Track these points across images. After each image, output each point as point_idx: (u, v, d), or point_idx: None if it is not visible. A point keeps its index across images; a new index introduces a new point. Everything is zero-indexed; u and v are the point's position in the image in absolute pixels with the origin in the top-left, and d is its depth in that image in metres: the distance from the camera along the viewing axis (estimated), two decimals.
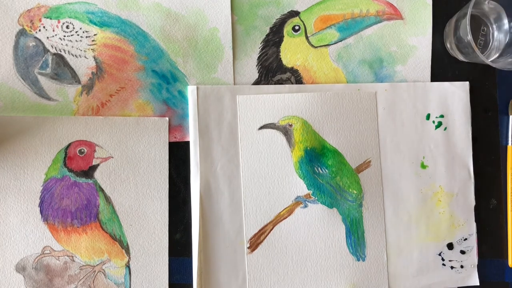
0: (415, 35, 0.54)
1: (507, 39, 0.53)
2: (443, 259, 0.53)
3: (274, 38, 0.53)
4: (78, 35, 0.49)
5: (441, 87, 0.54)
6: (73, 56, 0.49)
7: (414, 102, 0.53)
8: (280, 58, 0.53)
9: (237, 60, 0.52)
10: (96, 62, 0.50)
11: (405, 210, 0.52)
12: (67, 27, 0.49)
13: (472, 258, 0.53)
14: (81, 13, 0.50)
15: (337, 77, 0.53)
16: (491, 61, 0.52)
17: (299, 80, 0.53)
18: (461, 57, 0.53)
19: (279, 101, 0.51)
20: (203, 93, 0.50)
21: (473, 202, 0.53)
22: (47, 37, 0.49)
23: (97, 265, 0.48)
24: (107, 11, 0.50)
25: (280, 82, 0.52)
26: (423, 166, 0.53)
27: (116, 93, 0.50)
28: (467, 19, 0.47)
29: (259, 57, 0.52)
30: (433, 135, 0.53)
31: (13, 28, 0.49)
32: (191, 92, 0.50)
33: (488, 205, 0.54)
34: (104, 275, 0.48)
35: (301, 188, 0.51)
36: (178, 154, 0.51)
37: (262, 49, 0.52)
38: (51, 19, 0.49)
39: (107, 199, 0.49)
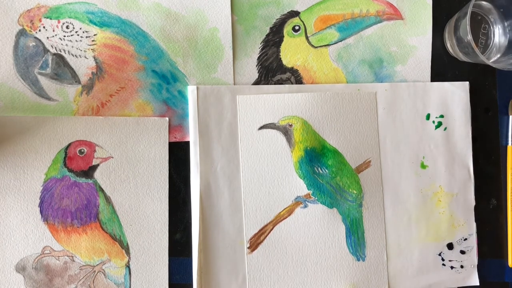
0: (415, 35, 0.54)
1: (508, 39, 0.53)
2: (443, 259, 0.53)
3: (274, 38, 0.53)
4: (78, 35, 0.49)
5: (441, 87, 0.54)
6: (73, 56, 0.49)
7: (414, 102, 0.53)
8: (280, 58, 0.53)
9: (237, 60, 0.52)
10: (96, 62, 0.50)
11: (405, 210, 0.52)
12: (67, 27, 0.49)
13: (472, 258, 0.53)
14: (81, 13, 0.50)
15: (337, 77, 0.53)
16: (492, 61, 0.52)
17: (299, 80, 0.53)
18: (461, 57, 0.53)
19: (279, 101, 0.51)
20: (203, 93, 0.50)
21: (473, 202, 0.53)
22: (47, 37, 0.49)
23: (97, 265, 0.48)
24: (107, 11, 0.50)
25: (280, 82, 0.52)
26: (423, 166, 0.53)
27: (116, 93, 0.50)
28: (467, 19, 0.47)
29: (259, 57, 0.52)
30: (433, 135, 0.53)
31: (13, 28, 0.49)
32: (191, 92, 0.50)
33: (488, 205, 0.54)
34: (104, 275, 0.49)
35: (301, 188, 0.51)
36: (178, 154, 0.51)
37: (262, 49, 0.52)
38: (51, 19, 0.49)
39: (107, 199, 0.49)
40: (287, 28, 0.53)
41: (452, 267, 0.53)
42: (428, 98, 0.53)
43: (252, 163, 0.50)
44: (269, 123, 0.51)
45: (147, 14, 0.51)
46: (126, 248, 0.49)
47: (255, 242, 0.50)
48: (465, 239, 0.53)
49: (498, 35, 0.54)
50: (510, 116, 0.54)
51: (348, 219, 0.51)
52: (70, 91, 0.49)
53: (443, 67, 0.54)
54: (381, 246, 0.52)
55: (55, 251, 0.48)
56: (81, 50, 0.49)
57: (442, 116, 0.53)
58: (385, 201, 0.52)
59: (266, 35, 0.52)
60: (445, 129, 0.53)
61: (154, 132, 0.50)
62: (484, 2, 0.53)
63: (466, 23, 0.47)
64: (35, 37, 0.49)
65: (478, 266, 0.53)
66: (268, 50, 0.52)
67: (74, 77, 0.49)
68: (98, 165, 0.49)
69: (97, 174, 0.49)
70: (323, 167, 0.51)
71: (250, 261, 0.50)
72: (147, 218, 0.49)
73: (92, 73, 0.50)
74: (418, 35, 0.54)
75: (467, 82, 0.54)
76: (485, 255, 0.54)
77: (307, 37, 0.53)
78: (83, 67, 0.49)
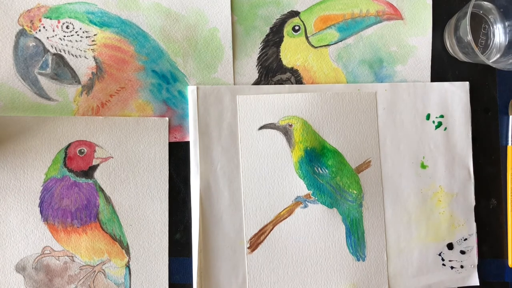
0: (415, 35, 0.54)
1: (508, 39, 0.53)
2: (443, 259, 0.53)
3: (274, 38, 0.53)
4: (78, 35, 0.49)
5: (441, 87, 0.54)
6: (73, 56, 0.49)
7: (414, 102, 0.53)
8: (280, 58, 0.53)
9: (237, 60, 0.52)
10: (96, 62, 0.50)
11: (405, 210, 0.52)
12: (67, 27, 0.49)
13: (472, 258, 0.53)
14: (81, 13, 0.50)
15: (337, 77, 0.53)
16: (492, 61, 0.52)
17: (299, 80, 0.53)
18: (461, 57, 0.53)
19: (279, 101, 0.51)
20: (203, 93, 0.50)
21: (473, 202, 0.53)
22: (47, 37, 0.49)
23: (97, 265, 0.48)
24: (107, 11, 0.50)
25: (280, 82, 0.52)
26: (423, 166, 0.53)
27: (116, 93, 0.50)
28: (467, 19, 0.47)
29: (259, 57, 0.52)
30: (433, 135, 0.53)
31: (13, 28, 0.49)
32: (191, 92, 0.50)
33: (488, 205, 0.54)
34: (104, 275, 0.49)
35: (301, 188, 0.51)
36: (178, 154, 0.51)
37: (262, 49, 0.52)
38: (51, 19, 0.49)
39: (107, 199, 0.49)
40: (287, 28, 0.53)
41: (452, 267, 0.53)
42: (428, 98, 0.53)
43: (252, 163, 0.50)
44: (269, 123, 0.51)
45: (147, 14, 0.51)
46: (126, 248, 0.49)
47: (255, 242, 0.50)
48: (465, 239, 0.53)
49: (498, 35, 0.54)
50: (510, 116, 0.54)
51: (348, 219, 0.51)
52: (70, 91, 0.49)
53: (443, 67, 0.54)
54: (381, 246, 0.52)
55: (55, 251, 0.48)
56: (81, 50, 0.49)
57: (442, 116, 0.53)
58: (385, 201, 0.52)
59: (266, 35, 0.52)
60: (445, 129, 0.53)
61: (154, 132, 0.50)
62: (484, 2, 0.53)
63: (466, 23, 0.47)
64: (35, 37, 0.49)
65: (478, 266, 0.53)
66: (268, 50, 0.52)
67: (74, 77, 0.49)
68: (98, 165, 0.49)
69: (97, 174, 0.49)
70: (323, 167, 0.51)
71: (250, 261, 0.50)
72: (147, 218, 0.49)
73: (92, 73, 0.50)
74: (418, 35, 0.54)
75: (467, 82, 0.54)
76: (485, 255, 0.54)
77: (307, 37, 0.53)
78: (83, 67, 0.49)
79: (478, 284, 0.53)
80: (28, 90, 0.49)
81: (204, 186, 0.50)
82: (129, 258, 0.49)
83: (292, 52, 0.53)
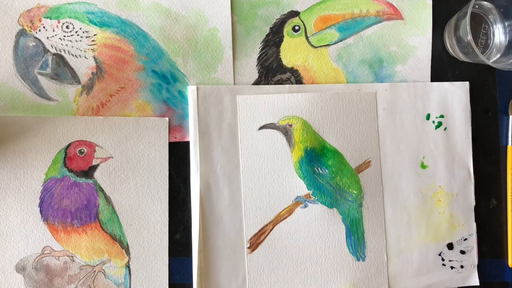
0: (415, 35, 0.54)
1: (508, 39, 0.53)
2: (443, 259, 0.53)
3: (274, 38, 0.53)
4: (78, 35, 0.49)
5: (441, 87, 0.54)
6: (73, 56, 0.49)
7: (414, 102, 0.53)
8: (280, 58, 0.53)
9: (237, 60, 0.52)
10: (96, 62, 0.50)
11: (405, 210, 0.52)
12: (67, 27, 0.49)
13: (472, 258, 0.53)
14: (81, 13, 0.50)
15: (337, 77, 0.53)
16: (492, 61, 0.52)
17: (299, 80, 0.53)
18: (461, 57, 0.53)
19: (279, 101, 0.51)
20: (203, 93, 0.50)
21: (473, 202, 0.53)
22: (47, 37, 0.49)
23: (97, 265, 0.48)
24: (107, 11, 0.50)
25: (280, 82, 0.52)
26: (423, 166, 0.53)
27: (116, 93, 0.50)
28: (467, 19, 0.47)
29: (259, 57, 0.52)
30: (433, 135, 0.53)
31: (13, 28, 0.49)
32: (191, 92, 0.50)
33: (488, 205, 0.54)
34: (104, 275, 0.49)
35: (301, 188, 0.51)
36: (178, 154, 0.51)
37: (262, 49, 0.52)
38: (51, 19, 0.49)
39: (107, 199, 0.49)
40: (287, 28, 0.53)
41: (452, 267, 0.53)
42: (428, 98, 0.53)
43: (252, 163, 0.50)
44: (269, 123, 0.51)
45: (147, 14, 0.51)
46: (126, 248, 0.49)
47: (255, 242, 0.50)
48: (465, 239, 0.53)
49: (498, 35, 0.54)
50: (510, 116, 0.54)
51: (348, 219, 0.51)
52: (70, 91, 0.49)
53: (443, 67, 0.54)
54: (381, 246, 0.52)
55: (55, 251, 0.48)
56: (81, 50, 0.49)
57: (442, 116, 0.53)
58: (385, 201, 0.52)
59: (266, 35, 0.52)
60: (445, 129, 0.53)
61: (154, 132, 0.50)
62: (484, 2, 0.53)
63: (466, 23, 0.47)
64: (35, 37, 0.49)
65: (478, 266, 0.53)
66: (268, 50, 0.52)
67: (74, 77, 0.49)
68: (98, 165, 0.49)
69: (97, 174, 0.49)
70: (323, 167, 0.51)
71: (250, 261, 0.50)
72: (147, 218, 0.49)
73: (92, 73, 0.50)
74: (418, 35, 0.54)
75: (467, 82, 0.54)
76: (485, 255, 0.54)
77: (307, 37, 0.53)
78: (83, 67, 0.49)
79: (478, 284, 0.53)
80: (28, 90, 0.49)
81: (204, 186, 0.50)
82: (129, 258, 0.49)
83: (292, 52, 0.53)
